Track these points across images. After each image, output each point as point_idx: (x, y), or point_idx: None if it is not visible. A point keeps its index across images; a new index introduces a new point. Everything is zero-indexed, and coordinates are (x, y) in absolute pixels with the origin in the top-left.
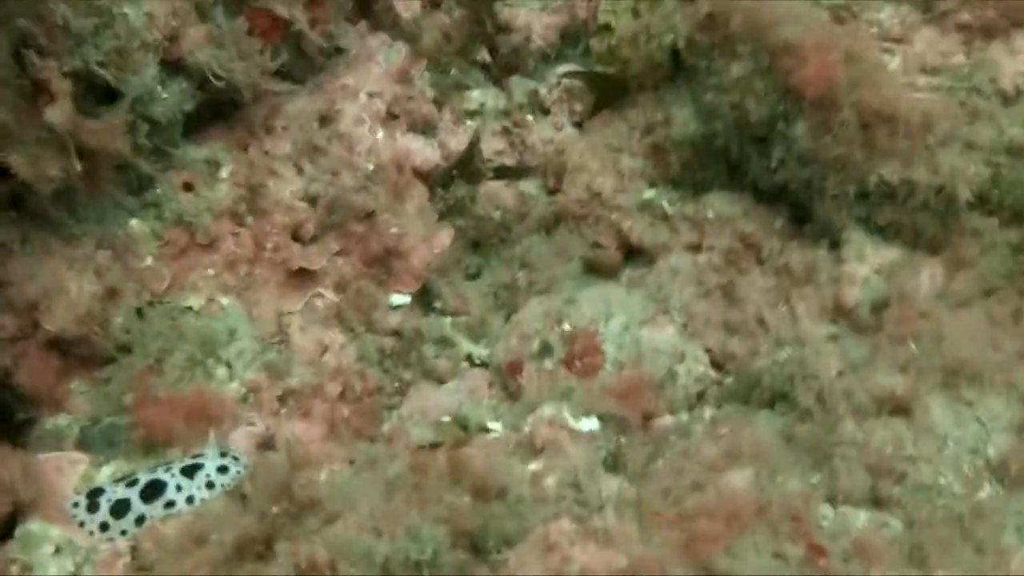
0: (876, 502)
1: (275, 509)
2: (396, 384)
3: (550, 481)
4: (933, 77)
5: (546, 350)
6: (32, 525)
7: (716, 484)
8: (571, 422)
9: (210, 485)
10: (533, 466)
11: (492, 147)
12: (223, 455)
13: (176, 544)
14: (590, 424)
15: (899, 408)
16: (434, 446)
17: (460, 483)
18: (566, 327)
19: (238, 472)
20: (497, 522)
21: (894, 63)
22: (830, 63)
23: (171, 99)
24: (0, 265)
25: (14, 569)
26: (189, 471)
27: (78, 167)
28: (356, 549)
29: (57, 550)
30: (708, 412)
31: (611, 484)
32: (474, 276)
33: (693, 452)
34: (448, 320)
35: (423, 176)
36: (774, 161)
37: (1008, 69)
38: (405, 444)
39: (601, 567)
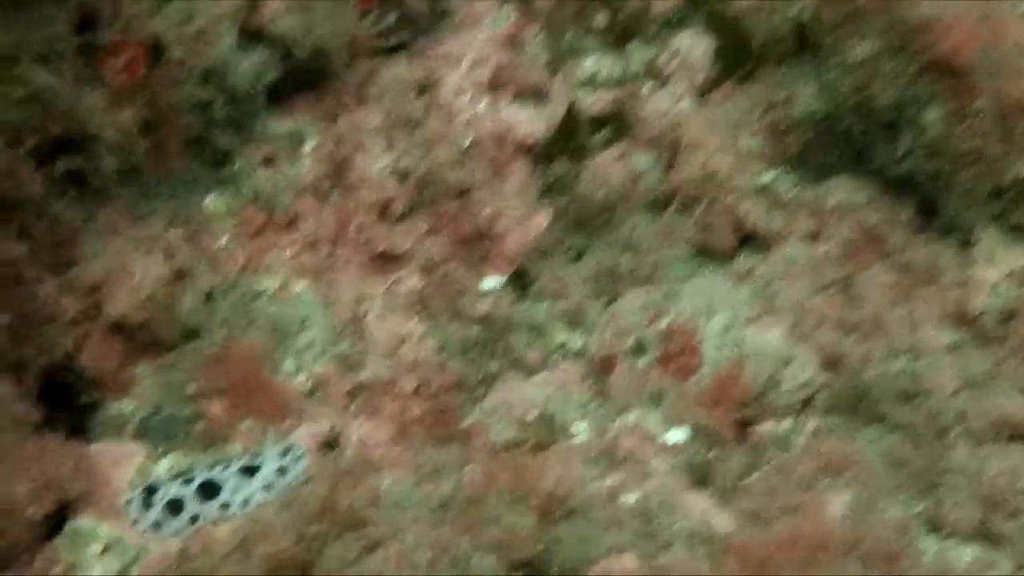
0: (985, 538)
1: (314, 528)
2: (481, 375)
3: (625, 500)
4: None
5: (641, 347)
6: (81, 521)
7: (809, 508)
8: (658, 432)
9: (267, 487)
10: (610, 480)
11: (603, 119)
12: (284, 455)
13: (221, 553)
14: (678, 435)
15: (1018, 435)
16: (515, 446)
17: (525, 500)
18: (664, 323)
19: (296, 476)
20: (560, 547)
21: None
22: (970, 43)
23: (250, 70)
24: (63, 245)
25: (57, 570)
26: (247, 471)
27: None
28: None
29: (105, 549)
30: (812, 422)
31: (694, 503)
32: (576, 259)
33: (789, 467)
34: (544, 306)
35: (526, 151)
36: (902, 149)
37: None
38: (484, 443)
39: None
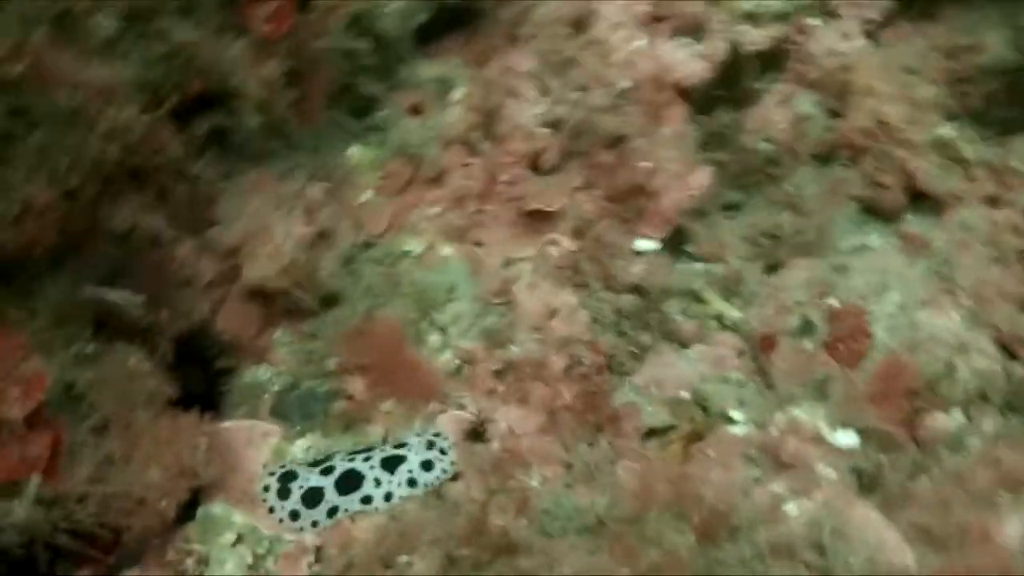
0: None
1: (464, 552)
2: (632, 349)
3: (791, 513)
4: None
5: (807, 327)
6: (214, 508)
7: (985, 530)
8: (825, 433)
9: (411, 482)
10: (774, 487)
11: (766, 58)
12: (429, 446)
13: (362, 555)
14: (847, 438)
15: None
16: (668, 430)
17: (685, 517)
18: (832, 302)
19: (443, 471)
20: (723, 572)
21: None
22: None
23: (399, 12)
24: (201, 205)
25: (189, 563)
26: (390, 463)
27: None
28: None
29: (238, 539)
30: (988, 421)
31: (866, 522)
32: (733, 216)
33: (964, 477)
34: (699, 267)
35: (685, 94)
36: None
37: None
38: (635, 429)
39: None
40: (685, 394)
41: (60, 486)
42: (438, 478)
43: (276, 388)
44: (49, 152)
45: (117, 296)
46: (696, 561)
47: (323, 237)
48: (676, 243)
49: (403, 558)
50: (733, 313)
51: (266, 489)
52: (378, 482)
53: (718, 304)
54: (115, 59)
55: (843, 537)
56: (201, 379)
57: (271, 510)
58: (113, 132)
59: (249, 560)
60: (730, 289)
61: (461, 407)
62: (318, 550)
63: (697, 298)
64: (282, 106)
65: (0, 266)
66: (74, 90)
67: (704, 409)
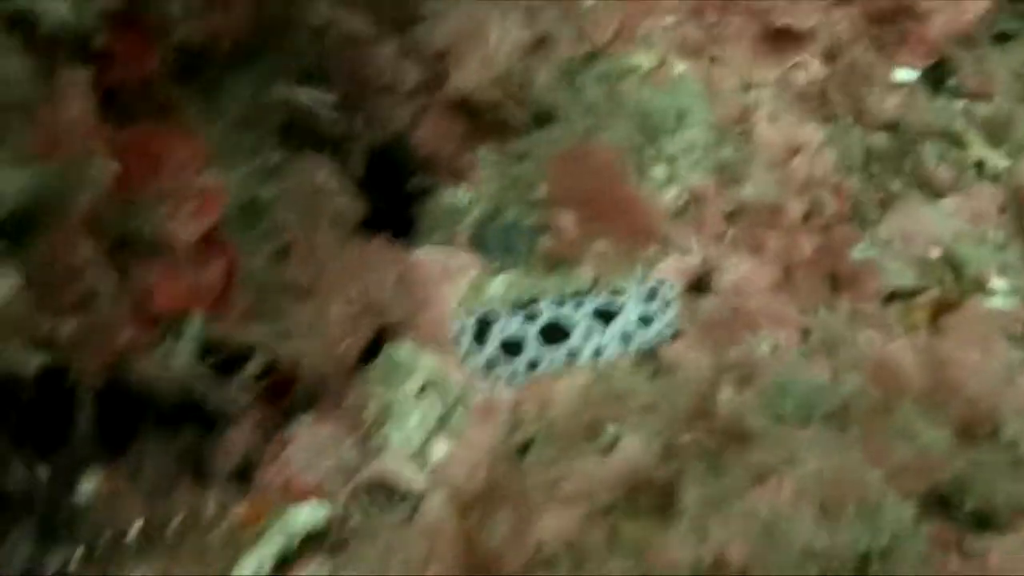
0: None
1: (687, 437)
2: (879, 196)
3: None
4: None
5: None
6: (401, 349)
7: None
8: None
9: (625, 338)
10: None
11: None
12: (650, 297)
13: (563, 418)
14: None
15: None
16: (913, 294)
17: (943, 409)
18: None
19: (664, 327)
20: (980, 477)
21: None
22: None
23: None
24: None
25: (370, 411)
26: (604, 314)
27: None
28: (785, 543)
29: (424, 387)
30: None
31: None
32: (1006, 47)
33: None
34: (963, 105)
35: None
36: None
37: None
38: (876, 290)
39: None
40: (936, 252)
41: (231, 322)
42: (658, 336)
43: (476, 215)
44: None
45: (308, 96)
46: (952, 462)
47: (542, 44)
48: (938, 76)
49: (610, 428)
50: (998, 161)
51: (461, 332)
52: (588, 334)
53: (981, 149)
54: None
55: None
56: (393, 198)
57: (465, 356)
58: None
59: (437, 411)
60: (996, 134)
61: (686, 253)
62: (514, 406)
63: (957, 141)
64: None
65: (184, 61)
66: None
67: (957, 273)
